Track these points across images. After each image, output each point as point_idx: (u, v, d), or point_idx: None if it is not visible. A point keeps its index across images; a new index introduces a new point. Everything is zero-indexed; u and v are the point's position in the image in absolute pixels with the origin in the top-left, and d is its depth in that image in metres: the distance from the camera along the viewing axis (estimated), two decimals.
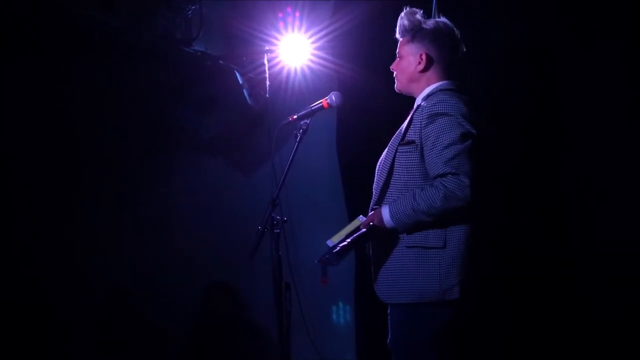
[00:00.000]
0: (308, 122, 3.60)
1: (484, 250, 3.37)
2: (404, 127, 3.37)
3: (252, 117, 5.69)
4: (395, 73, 3.52)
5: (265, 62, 5.62)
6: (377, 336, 3.71)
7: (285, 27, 5.57)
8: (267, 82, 5.62)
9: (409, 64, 3.45)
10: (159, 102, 5.61)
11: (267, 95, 5.64)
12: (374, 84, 4.98)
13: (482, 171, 3.25)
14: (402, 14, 3.47)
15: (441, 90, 3.38)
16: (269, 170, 3.69)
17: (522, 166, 4.90)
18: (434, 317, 3.24)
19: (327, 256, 3.30)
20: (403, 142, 3.32)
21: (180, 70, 5.51)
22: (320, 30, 5.48)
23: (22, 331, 5.17)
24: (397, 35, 3.50)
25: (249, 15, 5.63)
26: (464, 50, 3.48)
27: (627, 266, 4.63)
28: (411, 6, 3.51)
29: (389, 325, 3.38)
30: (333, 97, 3.63)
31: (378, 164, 3.47)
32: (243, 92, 5.59)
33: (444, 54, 3.43)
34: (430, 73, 3.42)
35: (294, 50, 5.57)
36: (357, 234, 3.27)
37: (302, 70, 5.63)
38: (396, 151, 3.33)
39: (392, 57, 3.52)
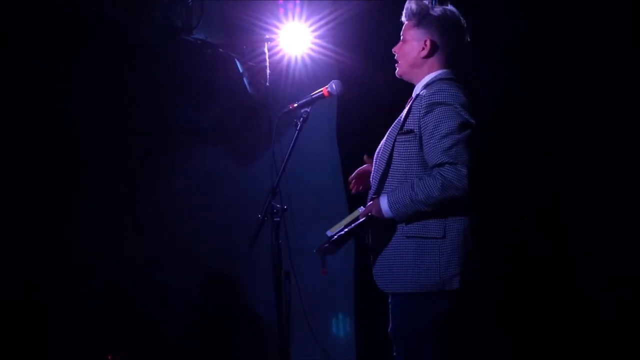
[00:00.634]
0: (308, 110, 3.60)
1: (483, 240, 3.37)
2: (403, 116, 3.37)
3: (253, 105, 5.68)
4: (396, 56, 3.50)
5: (266, 50, 5.61)
6: (377, 326, 3.72)
7: (286, 16, 5.55)
8: (268, 71, 5.61)
9: (412, 49, 3.43)
10: (159, 92, 5.60)
11: (268, 84, 5.63)
12: (375, 72, 4.97)
13: (480, 161, 3.24)
14: None
15: (441, 79, 3.37)
16: (269, 159, 3.69)
17: (522, 166, 4.90)
18: (433, 306, 3.25)
19: (325, 245, 3.31)
20: (402, 131, 3.31)
21: (180, 59, 5.49)
22: (320, 19, 5.46)
23: (22, 331, 5.17)
24: (403, 18, 3.49)
25: (249, 4, 5.62)
26: (468, 40, 3.47)
27: (627, 266, 4.63)
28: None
29: (390, 314, 3.39)
30: (333, 86, 3.62)
31: (376, 153, 3.47)
32: (243, 81, 5.58)
33: (449, 42, 3.42)
34: (433, 60, 3.41)
35: (295, 38, 5.56)
36: (355, 224, 3.28)
37: (303, 58, 5.62)
38: (395, 140, 3.33)
39: (392, 46, 3.51)
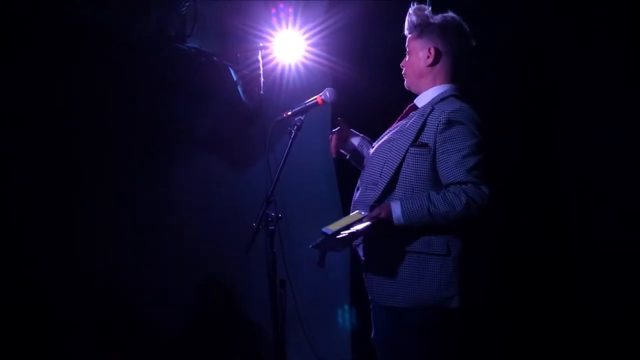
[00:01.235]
0: (302, 118, 3.60)
1: (485, 258, 3.37)
2: (410, 127, 3.34)
3: (247, 113, 5.68)
4: (404, 70, 3.52)
5: (260, 58, 5.61)
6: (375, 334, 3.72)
7: (279, 24, 5.56)
8: (262, 79, 5.61)
9: (417, 59, 3.45)
10: (154, 100, 5.60)
11: (262, 92, 5.63)
12: (369, 80, 4.98)
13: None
14: (410, 10, 3.48)
15: (454, 95, 3.38)
16: (264, 167, 3.68)
17: (522, 166, 4.90)
18: (430, 322, 3.24)
19: (323, 241, 3.26)
20: (416, 143, 3.30)
21: (174, 66, 5.50)
22: (314, 27, 5.47)
23: (22, 331, 5.16)
24: (406, 32, 3.51)
25: (243, 12, 5.63)
26: (474, 44, 3.49)
27: (627, 266, 4.63)
28: (404, 3, 3.52)
29: (373, 320, 3.39)
30: (327, 94, 3.62)
31: (373, 153, 3.45)
32: (237, 89, 5.58)
33: (453, 48, 3.43)
34: (439, 67, 3.43)
35: (288, 46, 5.57)
36: (364, 226, 3.23)
37: (297, 66, 5.62)
38: (407, 151, 3.30)
39: (387, 54, 3.52)
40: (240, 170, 5.96)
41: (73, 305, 5.39)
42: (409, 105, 3.49)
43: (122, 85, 5.45)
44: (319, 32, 5.44)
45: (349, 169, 3.75)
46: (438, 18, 3.45)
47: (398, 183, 3.30)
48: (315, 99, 3.63)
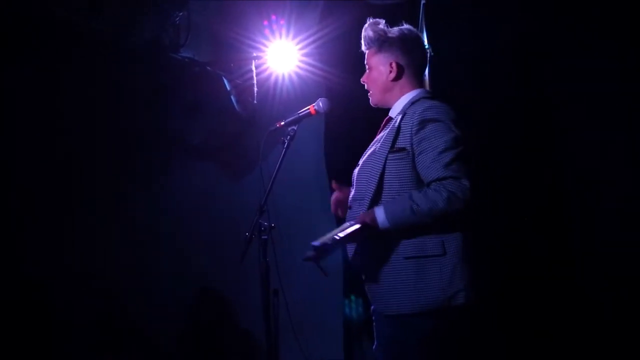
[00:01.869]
0: (295, 128, 3.62)
1: (482, 254, 3.38)
2: (386, 135, 3.36)
3: (240, 123, 5.68)
4: (367, 86, 3.54)
5: (253, 68, 5.63)
6: (366, 342, 3.73)
7: (273, 34, 5.58)
8: (255, 89, 5.62)
9: (379, 74, 3.47)
10: (148, 108, 5.60)
11: (255, 102, 5.64)
12: (362, 90, 4.99)
13: (477, 173, 3.27)
14: (366, 25, 3.51)
15: (424, 97, 3.39)
16: (257, 176, 3.70)
17: (522, 166, 4.92)
18: (426, 323, 3.23)
19: (313, 254, 3.24)
20: (393, 149, 3.30)
21: (167, 76, 5.50)
22: (307, 37, 5.49)
23: (22, 331, 5.15)
24: (364, 48, 3.54)
25: (236, 22, 5.64)
26: (431, 54, 3.52)
27: (627, 266, 4.65)
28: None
29: (375, 331, 3.38)
30: (320, 104, 3.64)
31: (357, 174, 3.45)
32: (231, 98, 5.58)
33: (413, 60, 3.46)
34: (403, 81, 3.45)
35: (282, 56, 5.58)
36: (350, 231, 3.22)
37: (290, 76, 5.64)
38: (386, 159, 3.31)
39: None
40: (234, 179, 5.96)
41: (73, 305, 5.38)
42: (385, 118, 3.50)
43: (115, 94, 5.45)
44: (313, 42, 5.46)
45: (342, 179, 3.75)
46: (395, 32, 3.48)
47: (383, 192, 3.31)
48: (309, 109, 3.65)
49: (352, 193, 3.46)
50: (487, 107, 4.89)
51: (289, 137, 3.61)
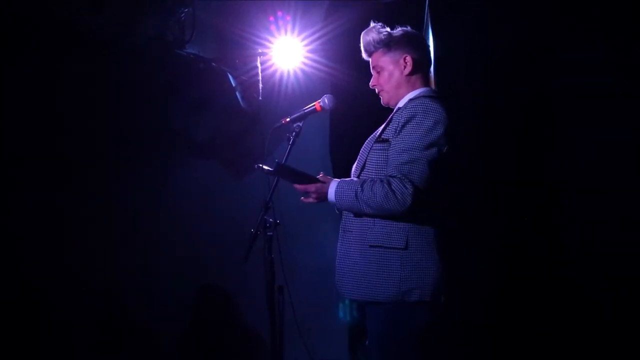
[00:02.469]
0: (301, 124, 3.62)
1: (482, 254, 3.38)
2: (383, 127, 3.42)
3: (245, 119, 5.68)
4: (377, 89, 3.55)
5: (258, 64, 5.62)
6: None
7: (278, 30, 5.57)
8: (260, 85, 5.62)
9: (392, 72, 3.49)
10: (152, 105, 5.59)
11: (260, 98, 5.63)
12: (367, 87, 4.98)
13: (455, 178, 3.32)
14: (365, 32, 3.53)
15: (423, 96, 3.40)
16: (262, 173, 3.68)
17: (521, 166, 4.92)
18: (396, 316, 3.26)
19: (274, 169, 3.39)
20: (379, 139, 3.36)
21: (173, 72, 5.49)
22: (313, 33, 5.48)
23: (22, 331, 5.16)
24: (365, 55, 3.56)
25: (242, 18, 5.63)
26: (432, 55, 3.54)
27: (627, 266, 4.65)
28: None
29: (366, 325, 3.41)
30: (326, 100, 3.63)
31: (354, 167, 3.51)
32: (236, 95, 5.58)
33: (422, 55, 3.50)
34: (416, 76, 3.47)
35: (287, 53, 5.57)
36: (309, 177, 3.38)
37: (295, 73, 5.63)
38: (371, 148, 3.37)
39: None
40: (239, 176, 5.96)
41: (73, 305, 5.38)
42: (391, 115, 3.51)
43: (120, 91, 5.44)
44: (318, 38, 5.45)
45: (346, 175, 3.75)
46: (399, 31, 3.51)
47: (361, 178, 3.36)
48: (314, 105, 3.64)
49: None
50: (487, 107, 4.89)
51: (294, 133, 3.61)
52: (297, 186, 3.41)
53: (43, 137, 5.26)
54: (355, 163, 3.49)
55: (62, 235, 5.35)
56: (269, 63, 5.64)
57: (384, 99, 3.55)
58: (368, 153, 3.37)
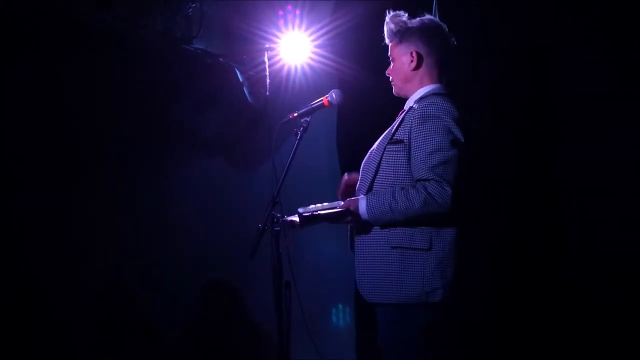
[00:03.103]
0: (308, 119, 3.61)
1: (471, 253, 3.38)
2: (394, 127, 3.39)
3: (253, 115, 5.68)
4: (390, 78, 3.55)
5: (266, 60, 5.62)
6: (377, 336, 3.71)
7: (286, 25, 5.56)
8: (268, 80, 5.62)
9: (402, 65, 3.48)
10: (159, 100, 5.60)
11: (268, 93, 5.64)
12: (374, 82, 4.96)
13: (470, 177, 3.29)
14: (387, 18, 3.51)
15: (434, 93, 3.40)
16: (270, 168, 3.68)
17: (521, 166, 4.91)
18: (416, 318, 3.27)
19: (292, 219, 3.37)
20: (392, 140, 3.34)
21: (180, 68, 5.49)
22: (320, 29, 5.47)
23: (22, 331, 5.16)
24: (387, 41, 3.54)
25: (249, 14, 5.63)
26: (455, 43, 3.51)
27: (627, 266, 4.65)
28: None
29: (377, 324, 3.39)
30: (333, 95, 3.63)
31: (363, 162, 3.49)
32: (243, 90, 5.58)
33: (434, 49, 3.46)
34: (423, 70, 3.46)
35: (295, 48, 5.57)
36: (332, 211, 3.32)
37: (303, 68, 5.63)
38: (384, 150, 3.35)
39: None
40: (246, 171, 5.96)
41: (73, 305, 5.39)
42: (400, 111, 3.51)
43: (127, 87, 5.45)
44: (325, 33, 5.45)
45: (355, 171, 3.74)
46: (416, 22, 3.48)
47: (377, 181, 3.35)
48: (322, 100, 3.64)
49: (358, 184, 3.50)
50: (487, 108, 4.88)
51: (301, 128, 3.60)
52: (328, 213, 3.35)
53: (48, 136, 5.26)
54: (365, 161, 3.48)
55: (66, 228, 5.35)
56: (277, 58, 5.64)
57: (394, 90, 3.56)
58: (382, 154, 3.35)
